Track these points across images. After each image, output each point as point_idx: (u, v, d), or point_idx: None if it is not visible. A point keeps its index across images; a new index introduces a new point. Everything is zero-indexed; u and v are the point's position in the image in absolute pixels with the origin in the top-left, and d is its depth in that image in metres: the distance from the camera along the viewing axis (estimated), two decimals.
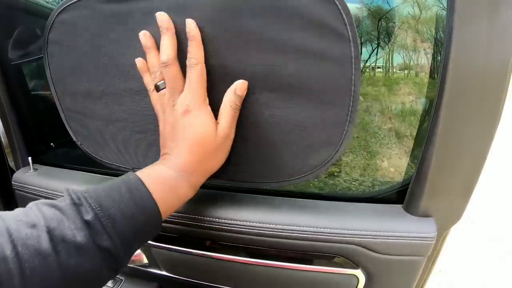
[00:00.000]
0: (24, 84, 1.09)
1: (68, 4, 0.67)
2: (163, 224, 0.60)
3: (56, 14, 0.69)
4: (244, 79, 0.59)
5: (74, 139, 0.80)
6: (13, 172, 1.07)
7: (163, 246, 0.78)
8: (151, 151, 0.72)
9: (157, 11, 0.59)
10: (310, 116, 0.57)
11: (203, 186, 0.65)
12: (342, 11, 0.50)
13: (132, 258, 0.73)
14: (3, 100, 0.95)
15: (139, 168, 0.64)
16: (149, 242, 0.78)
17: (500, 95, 0.54)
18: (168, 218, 0.71)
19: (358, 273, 0.66)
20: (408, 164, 0.71)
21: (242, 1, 0.54)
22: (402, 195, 0.66)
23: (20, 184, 0.98)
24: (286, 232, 0.65)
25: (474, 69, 0.53)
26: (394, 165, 0.76)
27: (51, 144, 1.10)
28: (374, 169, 0.80)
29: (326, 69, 0.54)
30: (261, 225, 0.66)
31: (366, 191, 0.78)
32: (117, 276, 0.95)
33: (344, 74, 0.53)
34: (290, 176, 0.62)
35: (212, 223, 0.69)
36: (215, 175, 0.64)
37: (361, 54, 0.54)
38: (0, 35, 0.96)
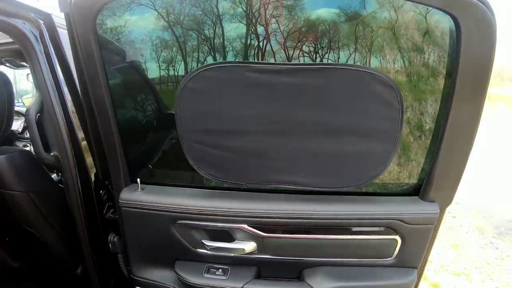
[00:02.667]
0: (130, 115, 1.29)
1: (214, 65, 0.94)
2: (273, 220, 1.07)
3: (200, 70, 0.94)
4: (333, 127, 0.96)
5: (192, 164, 1.05)
6: (96, 192, 1.26)
7: (272, 236, 1.10)
8: (255, 173, 1.05)
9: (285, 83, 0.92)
10: (370, 149, 0.97)
11: (296, 191, 1.08)
12: (396, 93, 0.90)
13: (243, 247, 1.12)
14: (114, 129, 1.10)
15: (251, 183, 1.07)
16: (262, 233, 1.09)
17: (482, 100, 0.91)
18: (276, 215, 1.06)
19: (397, 237, 1.07)
20: (421, 170, 1.10)
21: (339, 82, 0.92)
22: (417, 190, 1.08)
23: (129, 202, 1.15)
24: (353, 216, 1.05)
25: (474, 74, 0.87)
26: (414, 172, 1.15)
27: (150, 166, 1.29)
28: (404, 175, 1.17)
29: (384, 125, 0.94)
30: (337, 213, 1.05)
31: (397, 188, 1.17)
32: (222, 266, 1.19)
33: (393, 128, 0.93)
34: (355, 183, 1.02)
35: (305, 214, 1.05)
36: (306, 183, 1.03)
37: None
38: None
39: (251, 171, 1.03)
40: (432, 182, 1.01)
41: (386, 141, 0.95)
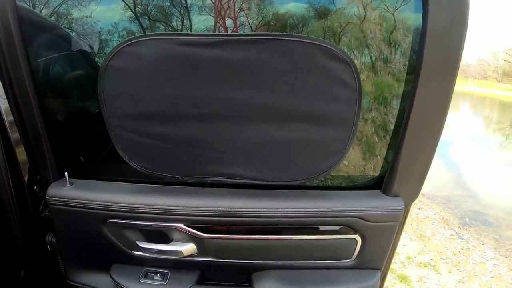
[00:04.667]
0: (58, 102, 1.10)
1: (137, 39, 0.78)
2: (213, 218, 0.90)
3: (123, 45, 0.78)
4: (279, 111, 0.81)
5: (122, 154, 0.89)
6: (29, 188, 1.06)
7: (213, 236, 0.95)
8: (192, 164, 0.89)
9: (220, 58, 0.78)
10: (324, 136, 0.82)
11: (240, 185, 0.91)
12: (352, 69, 0.75)
13: (181, 249, 0.96)
14: (37, 116, 0.95)
15: (188, 176, 0.91)
16: (202, 234, 0.94)
17: (450, 89, 0.80)
18: (216, 212, 0.90)
19: (357, 237, 0.93)
20: (383, 161, 0.97)
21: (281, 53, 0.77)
22: (379, 183, 0.94)
23: (57, 199, 0.99)
24: (306, 214, 0.89)
25: (439, 69, 0.77)
26: (374, 162, 1.02)
27: (81, 158, 1.11)
28: (361, 166, 1.04)
29: (339, 107, 0.79)
30: (288, 210, 0.89)
31: (356, 181, 1.04)
32: (162, 270, 1.04)
33: (350, 111, 0.78)
34: (308, 176, 0.87)
35: (252, 212, 0.89)
36: (252, 176, 0.87)
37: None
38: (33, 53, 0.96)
39: (187, 162, 0.88)
40: (396, 175, 0.88)
41: (342, 126, 0.81)
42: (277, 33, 0.84)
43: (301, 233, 0.94)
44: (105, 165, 1.15)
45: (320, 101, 0.79)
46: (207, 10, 0.91)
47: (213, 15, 0.91)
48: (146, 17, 0.95)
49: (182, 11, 0.94)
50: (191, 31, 0.93)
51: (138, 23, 0.95)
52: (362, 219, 0.90)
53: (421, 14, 0.76)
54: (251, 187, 0.94)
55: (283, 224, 0.91)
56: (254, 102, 0.79)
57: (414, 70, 0.80)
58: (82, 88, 1.15)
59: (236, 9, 0.91)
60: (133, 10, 0.93)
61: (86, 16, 0.96)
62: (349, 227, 0.91)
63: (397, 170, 0.88)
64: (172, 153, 0.87)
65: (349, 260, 0.97)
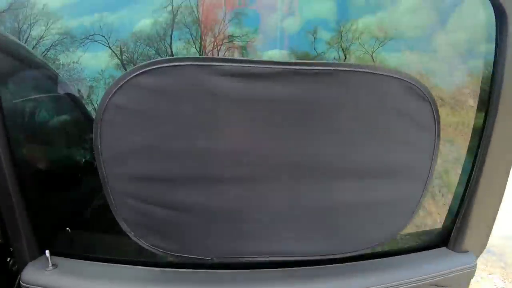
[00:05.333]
0: (38, 153, 0.92)
1: (154, 65, 0.59)
2: None
3: (132, 75, 0.59)
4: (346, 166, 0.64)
5: (127, 229, 0.68)
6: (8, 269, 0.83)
7: None
8: (227, 241, 0.67)
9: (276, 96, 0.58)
10: (395, 193, 0.66)
11: (292, 264, 0.73)
12: (434, 112, 0.61)
13: None
14: (7, 170, 0.75)
15: (221, 257, 0.66)
16: None
17: None
18: None
19: None
20: (448, 213, 0.83)
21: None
22: (444, 238, 0.81)
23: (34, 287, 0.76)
24: None
25: None
26: (437, 217, 0.85)
27: (67, 229, 0.87)
28: (423, 222, 0.88)
29: (415, 156, 0.65)
30: None
31: (417, 240, 0.86)
32: None
33: (427, 160, 0.65)
34: (373, 242, 0.71)
35: None
36: (308, 251, 0.68)
37: None
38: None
39: (220, 238, 0.69)
40: (466, 228, 0.78)
41: (415, 180, 0.68)
42: (354, 63, 0.68)
43: None
44: (102, 239, 0.91)
45: (396, 151, 0.66)
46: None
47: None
48: (132, 65, 0.86)
49: None
50: None
51: (124, 70, 0.85)
52: (437, 285, 0.78)
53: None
54: (305, 264, 0.76)
55: None
56: (317, 157, 0.64)
57: (487, 105, 0.71)
58: (69, 138, 0.98)
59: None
60: (120, 57, 0.85)
61: (73, 62, 0.87)
62: None
63: (468, 222, 0.78)
64: (199, 227, 0.68)
65: None
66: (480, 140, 0.75)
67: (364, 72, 0.60)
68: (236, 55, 0.79)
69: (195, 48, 0.83)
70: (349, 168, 0.65)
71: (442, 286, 0.78)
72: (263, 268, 0.76)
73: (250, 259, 0.70)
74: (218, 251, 0.70)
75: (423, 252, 0.83)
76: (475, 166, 0.76)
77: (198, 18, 0.82)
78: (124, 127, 0.61)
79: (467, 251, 0.82)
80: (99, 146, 0.62)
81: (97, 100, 0.88)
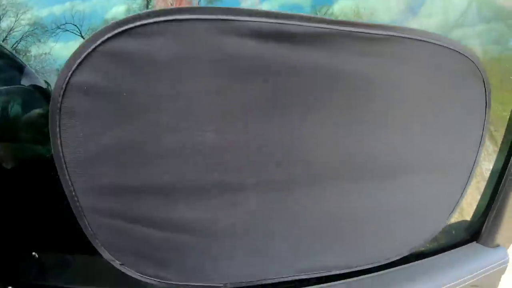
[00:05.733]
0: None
1: (147, 19, 0.38)
2: None
3: (73, 70, 0.40)
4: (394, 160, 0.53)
5: (108, 257, 0.49)
6: None
7: None
8: (252, 261, 0.51)
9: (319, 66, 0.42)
10: (439, 189, 0.58)
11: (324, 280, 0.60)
12: (486, 96, 0.52)
13: None
14: None
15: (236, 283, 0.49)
16: None
17: None
18: None
19: None
20: (478, 206, 0.78)
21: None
22: (474, 233, 0.76)
23: None
24: None
25: None
26: (466, 211, 0.81)
27: (34, 253, 0.66)
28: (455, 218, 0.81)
29: (462, 147, 0.55)
30: None
31: (444, 236, 0.80)
32: None
33: (472, 151, 0.56)
34: (410, 246, 0.62)
35: None
36: (343, 264, 0.57)
37: None
38: None
39: (234, 261, 0.53)
40: (500, 221, 0.73)
41: (459, 176, 0.59)
42: (415, 29, 0.49)
43: None
44: (83, 264, 0.69)
45: (445, 141, 0.56)
46: None
47: None
48: None
49: None
50: None
51: None
52: (474, 286, 0.70)
53: None
54: (334, 279, 0.63)
55: None
56: (365, 152, 0.50)
57: None
58: (37, 136, 0.86)
59: None
60: None
61: (45, 53, 0.83)
62: None
63: (503, 215, 0.72)
64: (207, 248, 0.51)
65: None
66: None
67: (425, 41, 0.48)
68: None
69: None
70: (398, 164, 0.54)
71: (481, 284, 0.71)
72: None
73: (269, 280, 0.56)
74: (233, 274, 0.55)
75: (457, 249, 0.76)
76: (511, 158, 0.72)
77: (173, 4, 0.80)
78: (95, 117, 0.42)
79: (499, 246, 0.76)
80: (59, 147, 0.42)
81: None
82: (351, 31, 0.43)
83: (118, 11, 0.82)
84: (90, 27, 0.82)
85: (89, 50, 0.41)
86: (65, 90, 0.42)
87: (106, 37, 0.41)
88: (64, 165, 0.44)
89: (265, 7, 0.80)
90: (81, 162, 0.44)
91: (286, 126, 0.46)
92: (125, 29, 0.40)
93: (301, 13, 0.42)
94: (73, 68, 0.41)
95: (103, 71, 0.41)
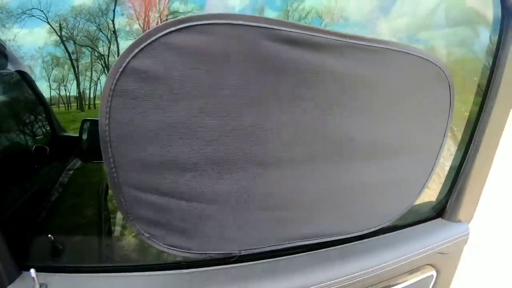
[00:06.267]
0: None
1: (191, 22, 0.46)
2: None
3: (132, 56, 0.46)
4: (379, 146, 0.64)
5: (138, 230, 0.54)
6: None
7: None
8: (263, 229, 0.59)
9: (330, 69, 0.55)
10: (411, 169, 0.69)
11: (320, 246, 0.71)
12: (450, 92, 0.67)
13: None
14: None
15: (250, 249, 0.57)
16: None
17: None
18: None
19: (433, 272, 0.83)
20: (442, 187, 0.89)
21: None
22: (440, 211, 0.88)
23: None
24: (392, 264, 0.75)
25: None
26: (434, 189, 0.92)
27: (49, 236, 0.67)
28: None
29: (432, 136, 0.69)
30: (379, 266, 0.74)
31: (415, 213, 0.90)
32: None
33: (439, 138, 0.69)
34: (388, 218, 0.73)
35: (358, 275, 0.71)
36: (338, 231, 0.67)
37: None
38: None
39: (251, 229, 0.60)
40: (462, 200, 0.86)
41: (428, 157, 0.72)
42: (401, 43, 0.65)
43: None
44: (100, 244, 0.74)
45: (416, 131, 0.69)
46: (135, 34, 0.77)
47: None
48: (72, 41, 0.81)
49: (109, 35, 0.81)
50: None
51: (64, 48, 0.80)
52: (441, 253, 0.82)
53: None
54: (327, 245, 0.74)
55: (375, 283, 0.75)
56: (359, 135, 0.62)
57: (483, 94, 0.80)
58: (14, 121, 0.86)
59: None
60: (59, 34, 0.80)
61: (10, 39, 0.81)
62: (429, 265, 0.82)
63: (464, 194, 0.85)
64: (228, 219, 0.58)
65: None
66: (475, 126, 0.84)
67: (406, 53, 0.62)
68: None
69: (139, 24, 0.80)
70: (377, 148, 0.65)
71: (444, 253, 0.83)
72: (288, 254, 0.71)
73: (277, 246, 0.63)
74: (247, 242, 0.61)
75: (426, 223, 0.89)
76: (471, 147, 0.84)
77: None
78: (146, 99, 0.48)
79: (460, 221, 0.89)
80: (107, 123, 0.47)
81: (35, 79, 0.83)
82: (356, 43, 0.56)
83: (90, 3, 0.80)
84: (57, 13, 0.80)
85: (152, 39, 0.46)
86: (121, 73, 0.46)
87: (168, 30, 0.46)
88: (109, 144, 0.48)
89: (238, 2, 0.81)
90: (127, 140, 0.49)
91: (298, 114, 0.55)
92: (187, 26, 0.46)
93: (323, 28, 0.55)
94: (133, 54, 0.46)
95: (161, 59, 0.47)
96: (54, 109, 0.86)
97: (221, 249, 0.60)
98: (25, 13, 0.80)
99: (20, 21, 0.80)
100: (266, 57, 0.50)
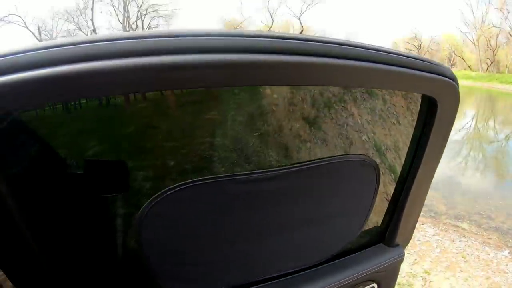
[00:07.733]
0: None
1: (187, 185, 0.67)
2: None
3: (151, 206, 0.66)
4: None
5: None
6: None
7: None
8: (246, 268, 0.83)
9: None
10: (347, 219, 0.89)
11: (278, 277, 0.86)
12: (376, 174, 0.86)
13: None
14: None
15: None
16: None
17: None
18: None
19: (374, 285, 0.97)
20: (384, 215, 0.99)
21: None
22: (380, 236, 1.00)
23: None
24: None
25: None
26: (377, 219, 1.03)
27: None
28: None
29: (360, 200, 0.90)
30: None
31: (358, 241, 1.02)
32: None
33: (369, 201, 0.88)
34: (332, 251, 0.90)
35: None
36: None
37: None
38: None
39: (235, 266, 0.82)
40: (399, 226, 0.95)
41: (360, 211, 0.90)
42: (324, 158, 0.83)
43: None
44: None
45: (349, 202, 0.88)
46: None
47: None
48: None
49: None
50: None
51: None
52: (380, 272, 0.95)
53: None
54: (289, 274, 0.89)
55: None
56: (293, 217, 0.81)
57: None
58: None
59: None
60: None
61: None
62: (371, 280, 0.96)
63: (399, 224, 0.95)
64: (215, 263, 0.80)
65: None
66: (412, 161, 0.90)
67: (336, 162, 0.81)
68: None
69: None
70: (316, 217, 0.84)
71: (383, 272, 0.96)
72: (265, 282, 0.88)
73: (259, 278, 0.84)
74: (231, 278, 0.81)
75: (368, 249, 1.00)
76: (407, 178, 0.91)
77: None
78: (163, 229, 0.71)
79: (398, 245, 1.00)
80: (141, 242, 0.69)
81: None
82: (289, 171, 0.77)
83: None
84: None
85: (161, 197, 0.67)
86: (145, 215, 0.66)
87: (166, 194, 0.67)
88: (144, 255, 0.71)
89: None
90: (158, 254, 0.72)
91: (256, 217, 0.79)
92: (183, 188, 0.68)
93: (265, 169, 0.77)
94: (151, 205, 0.66)
95: (167, 207, 0.69)
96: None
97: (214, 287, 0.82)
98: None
99: None
100: (232, 195, 0.74)
